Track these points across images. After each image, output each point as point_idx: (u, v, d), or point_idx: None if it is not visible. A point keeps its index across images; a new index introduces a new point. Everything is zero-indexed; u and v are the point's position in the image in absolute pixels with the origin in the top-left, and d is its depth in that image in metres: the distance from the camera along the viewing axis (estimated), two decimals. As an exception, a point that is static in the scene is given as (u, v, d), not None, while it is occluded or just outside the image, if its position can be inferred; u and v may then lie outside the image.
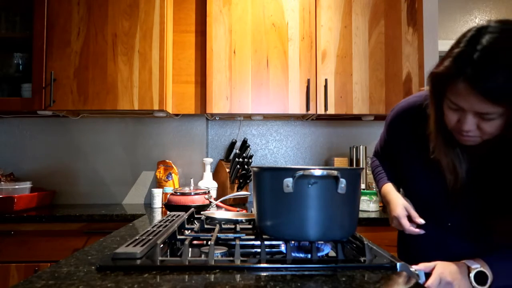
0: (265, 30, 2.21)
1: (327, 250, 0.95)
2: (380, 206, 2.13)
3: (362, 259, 0.88)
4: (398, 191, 1.11)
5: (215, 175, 2.42)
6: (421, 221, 0.98)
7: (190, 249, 0.98)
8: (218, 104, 2.18)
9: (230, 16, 2.20)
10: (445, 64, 0.79)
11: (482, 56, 0.72)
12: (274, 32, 2.21)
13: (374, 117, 2.42)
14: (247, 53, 2.20)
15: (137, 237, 1.01)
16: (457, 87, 0.77)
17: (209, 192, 1.91)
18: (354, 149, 2.36)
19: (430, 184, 1.01)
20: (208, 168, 2.32)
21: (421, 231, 0.99)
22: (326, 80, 2.19)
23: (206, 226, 1.24)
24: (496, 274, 0.88)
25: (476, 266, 0.88)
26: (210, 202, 1.84)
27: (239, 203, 2.28)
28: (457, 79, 0.76)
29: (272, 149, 2.57)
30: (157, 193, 2.21)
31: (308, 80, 2.18)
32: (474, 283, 0.88)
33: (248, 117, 2.51)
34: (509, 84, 0.70)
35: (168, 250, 1.00)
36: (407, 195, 1.09)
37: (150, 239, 0.99)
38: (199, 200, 1.83)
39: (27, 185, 2.18)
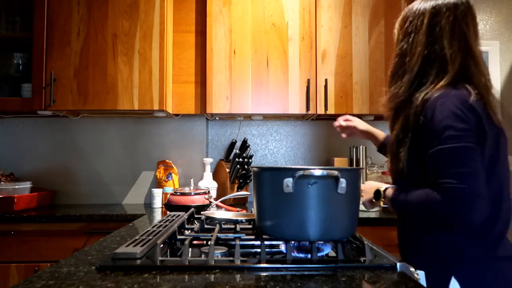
0: (265, 30, 2.21)
1: (327, 250, 0.95)
2: (380, 206, 2.12)
3: (362, 259, 0.88)
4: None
5: (215, 175, 2.42)
6: (340, 118, 1.49)
7: (190, 249, 0.98)
8: (218, 104, 2.18)
9: (230, 16, 2.20)
10: None
11: None
12: (274, 32, 2.21)
13: (374, 117, 2.42)
14: (247, 53, 2.20)
15: (137, 237, 1.01)
16: None
17: (209, 192, 1.91)
18: (354, 149, 2.36)
19: None
20: (208, 168, 2.32)
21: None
22: (326, 80, 2.19)
23: (206, 226, 1.24)
24: (392, 198, 1.05)
25: (381, 186, 1.11)
26: (210, 202, 1.84)
27: (239, 203, 2.28)
28: None
29: (272, 149, 2.57)
30: (157, 193, 2.21)
31: (308, 80, 2.18)
32: (372, 197, 1.14)
33: (248, 117, 2.50)
34: None
35: (168, 250, 1.00)
36: None
37: (150, 239, 0.99)
38: (199, 200, 1.83)
39: (27, 185, 2.18)
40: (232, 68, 2.18)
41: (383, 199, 1.10)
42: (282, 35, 2.21)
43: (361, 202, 1.17)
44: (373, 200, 1.14)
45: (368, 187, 1.19)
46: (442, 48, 0.99)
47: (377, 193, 1.12)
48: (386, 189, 1.09)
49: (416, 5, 1.05)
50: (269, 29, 2.21)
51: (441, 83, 0.97)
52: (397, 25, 1.10)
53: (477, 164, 0.89)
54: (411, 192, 0.99)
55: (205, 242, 1.06)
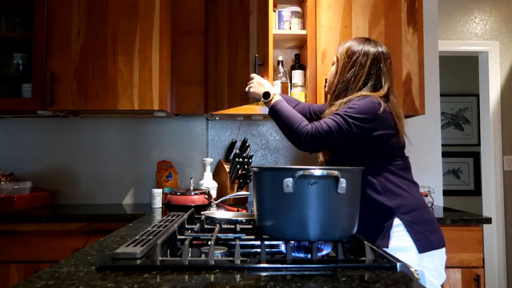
0: (233, 12, 1.93)
1: (327, 250, 0.95)
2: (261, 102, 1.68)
3: (362, 259, 0.88)
4: None
5: (215, 175, 2.42)
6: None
7: (190, 249, 0.98)
8: (210, 104, 2.17)
9: (217, 10, 2.12)
10: None
11: None
12: (239, 10, 1.88)
13: (374, 117, 2.42)
14: (224, 44, 2.04)
15: (137, 237, 1.01)
16: None
17: (209, 192, 1.91)
18: (354, 149, 2.36)
19: None
20: (208, 168, 2.32)
21: None
22: (326, 80, 2.18)
23: (206, 226, 1.24)
24: (273, 107, 1.44)
25: (273, 92, 1.47)
26: (210, 202, 1.84)
27: (239, 203, 2.28)
28: None
29: (272, 149, 2.57)
30: (157, 193, 2.21)
31: (255, 57, 1.64)
32: (261, 94, 1.48)
33: (248, 117, 2.50)
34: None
35: (168, 250, 1.00)
36: None
37: (150, 239, 0.99)
38: (199, 200, 1.83)
39: (27, 185, 2.18)
40: (217, 64, 2.15)
41: (266, 102, 1.46)
42: (244, 9, 1.83)
43: (246, 89, 1.55)
44: (261, 98, 1.47)
45: (262, 81, 1.51)
46: (379, 80, 1.44)
47: (266, 94, 1.46)
48: (274, 96, 1.45)
49: (361, 46, 1.44)
50: (237, 9, 1.90)
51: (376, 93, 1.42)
52: (343, 51, 1.46)
53: (338, 133, 1.32)
54: (289, 110, 1.39)
55: (205, 242, 1.06)
